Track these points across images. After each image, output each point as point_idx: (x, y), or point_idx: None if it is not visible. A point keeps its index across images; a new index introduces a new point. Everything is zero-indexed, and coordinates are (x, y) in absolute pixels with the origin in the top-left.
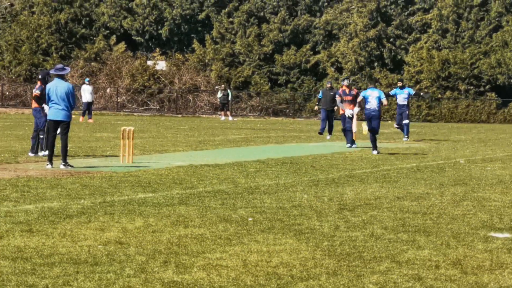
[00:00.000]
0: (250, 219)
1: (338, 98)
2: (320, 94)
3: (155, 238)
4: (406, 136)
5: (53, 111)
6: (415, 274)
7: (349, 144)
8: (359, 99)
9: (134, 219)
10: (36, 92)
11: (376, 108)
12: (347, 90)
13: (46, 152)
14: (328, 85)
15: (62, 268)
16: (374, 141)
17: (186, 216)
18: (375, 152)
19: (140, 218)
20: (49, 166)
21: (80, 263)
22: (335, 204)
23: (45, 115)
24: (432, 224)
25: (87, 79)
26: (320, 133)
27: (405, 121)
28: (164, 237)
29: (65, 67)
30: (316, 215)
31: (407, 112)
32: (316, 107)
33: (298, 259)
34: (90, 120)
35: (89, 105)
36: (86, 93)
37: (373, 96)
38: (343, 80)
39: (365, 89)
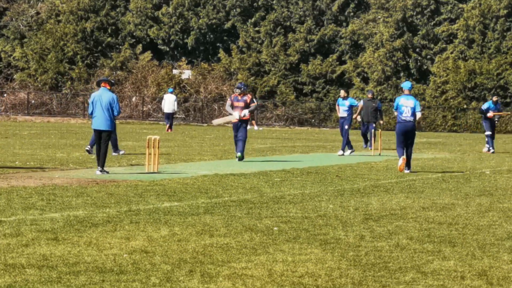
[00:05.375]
0: (275, 228)
1: (228, 102)
2: (361, 103)
3: (181, 247)
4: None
5: (97, 121)
6: (440, 285)
7: (239, 154)
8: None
9: (159, 228)
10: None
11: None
12: (239, 97)
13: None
14: (370, 95)
15: (87, 276)
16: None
17: (211, 225)
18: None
19: (165, 227)
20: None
21: (105, 272)
22: (361, 214)
23: None
24: (457, 235)
25: (171, 89)
26: (365, 147)
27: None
28: (190, 246)
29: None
30: (341, 225)
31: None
32: (358, 117)
33: (323, 269)
34: (169, 130)
35: (170, 116)
36: (168, 103)
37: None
38: (236, 87)
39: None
